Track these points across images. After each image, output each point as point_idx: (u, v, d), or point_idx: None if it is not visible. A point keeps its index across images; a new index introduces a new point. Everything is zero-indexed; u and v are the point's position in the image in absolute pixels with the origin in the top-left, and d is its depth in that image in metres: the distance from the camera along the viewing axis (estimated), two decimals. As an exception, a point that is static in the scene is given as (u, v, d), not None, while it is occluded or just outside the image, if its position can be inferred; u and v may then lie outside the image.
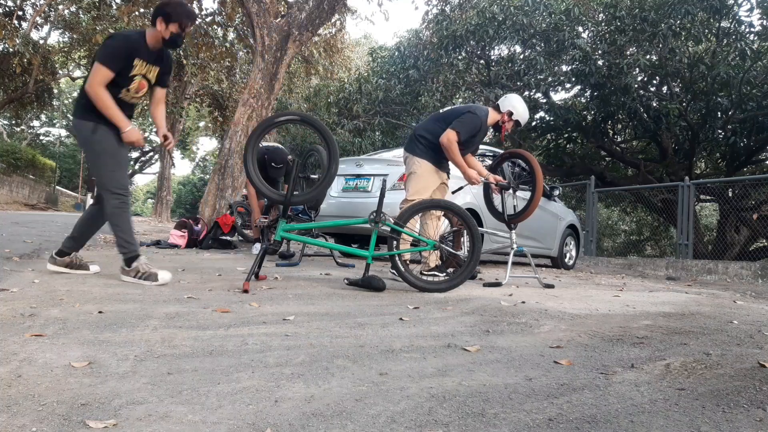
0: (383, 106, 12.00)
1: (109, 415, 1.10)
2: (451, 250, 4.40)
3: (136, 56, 2.84)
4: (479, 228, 5.06)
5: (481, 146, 4.67)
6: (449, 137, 3.67)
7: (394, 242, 3.22)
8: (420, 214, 3.55)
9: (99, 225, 3.18)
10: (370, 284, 3.03)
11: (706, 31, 9.42)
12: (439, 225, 3.90)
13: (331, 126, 12.14)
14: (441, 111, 4.03)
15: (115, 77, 2.79)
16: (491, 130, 4.08)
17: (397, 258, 3.17)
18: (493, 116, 3.87)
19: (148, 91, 3.04)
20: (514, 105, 3.88)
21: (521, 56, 11.12)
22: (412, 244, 3.50)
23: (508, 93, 4.09)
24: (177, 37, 2.88)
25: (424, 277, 3.81)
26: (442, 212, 3.74)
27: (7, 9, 15.63)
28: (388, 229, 3.22)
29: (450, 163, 3.88)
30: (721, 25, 9.48)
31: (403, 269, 3.15)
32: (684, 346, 1.97)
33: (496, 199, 4.25)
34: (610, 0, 9.94)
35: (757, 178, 9.96)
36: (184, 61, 17.10)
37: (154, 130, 32.86)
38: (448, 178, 4.00)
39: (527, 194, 4.27)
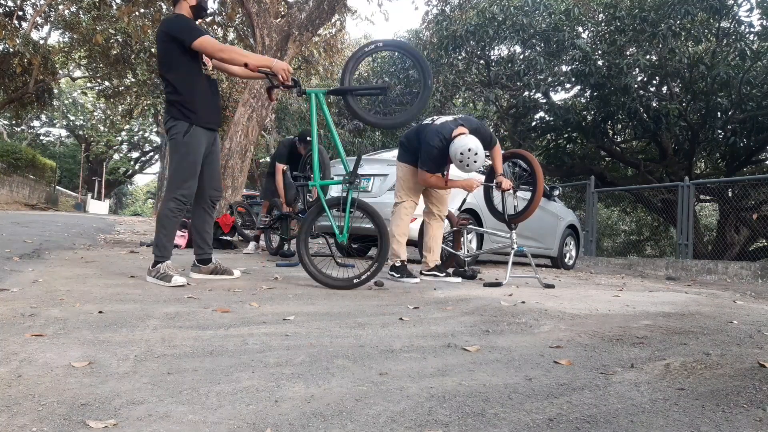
0: (383, 106, 12.00)
1: (109, 415, 1.10)
2: (451, 250, 4.41)
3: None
4: (479, 228, 5.07)
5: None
6: (423, 179, 3.65)
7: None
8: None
9: (210, 221, 3.22)
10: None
11: (706, 31, 9.43)
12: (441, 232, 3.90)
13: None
14: (423, 122, 3.87)
15: (196, 54, 2.87)
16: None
17: (302, 246, 3.09)
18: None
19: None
20: (451, 153, 3.47)
21: (521, 56, 11.13)
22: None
23: (472, 134, 3.51)
24: (203, 3, 2.99)
25: (424, 277, 3.82)
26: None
27: (7, 9, 15.63)
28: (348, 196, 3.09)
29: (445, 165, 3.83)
30: (721, 25, 9.49)
31: (308, 262, 3.07)
32: (684, 346, 1.97)
33: (496, 198, 4.26)
34: (610, 0, 9.94)
35: (757, 178, 9.96)
36: (184, 62, 17.07)
37: (155, 129, 32.71)
38: (444, 177, 3.95)
39: (527, 194, 4.27)
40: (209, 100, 2.99)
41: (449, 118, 3.73)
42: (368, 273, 3.05)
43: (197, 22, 3.10)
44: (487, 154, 4.33)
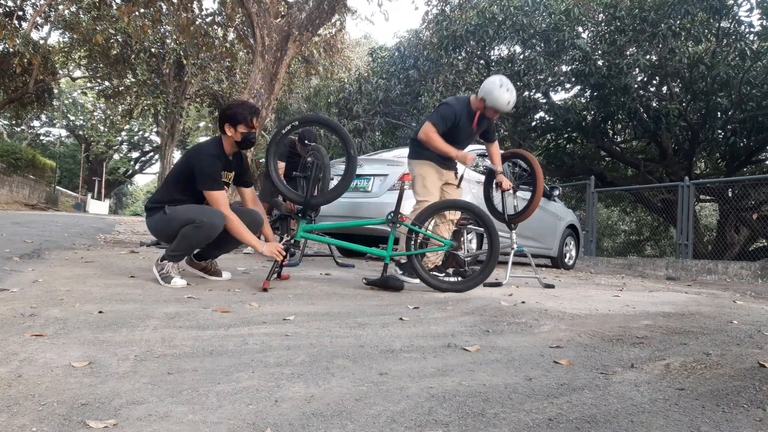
0: (383, 106, 12.00)
1: (109, 415, 1.10)
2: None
3: (225, 169, 2.94)
4: (479, 228, 5.06)
5: (480, 146, 4.63)
6: (425, 130, 3.61)
7: (411, 242, 3.22)
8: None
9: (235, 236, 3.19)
10: (387, 284, 3.04)
11: (706, 31, 9.43)
12: (452, 228, 3.88)
13: (330, 126, 12.13)
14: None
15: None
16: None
17: (414, 258, 3.17)
18: (474, 102, 3.70)
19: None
20: (487, 90, 3.54)
21: (521, 56, 11.12)
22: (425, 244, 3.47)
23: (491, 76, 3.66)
24: (249, 135, 2.90)
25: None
26: (459, 213, 3.73)
27: (7, 9, 15.65)
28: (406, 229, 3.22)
29: (457, 163, 3.82)
30: (721, 25, 9.48)
31: (420, 269, 3.15)
32: (684, 346, 1.97)
33: (496, 198, 4.26)
34: (610, 0, 9.94)
35: (756, 178, 9.96)
36: (184, 61, 17.12)
37: (155, 129, 32.75)
38: (457, 177, 3.94)
39: (527, 194, 4.27)
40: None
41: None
42: (479, 276, 3.17)
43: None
44: (485, 154, 4.33)
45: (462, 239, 4.43)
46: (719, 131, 10.35)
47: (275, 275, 3.05)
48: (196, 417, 1.11)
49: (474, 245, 5.25)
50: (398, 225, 3.16)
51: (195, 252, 3.15)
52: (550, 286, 3.81)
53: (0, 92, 19.17)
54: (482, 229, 3.34)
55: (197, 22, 10.32)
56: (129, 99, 20.98)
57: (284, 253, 2.96)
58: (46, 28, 18.55)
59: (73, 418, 1.07)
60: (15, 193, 22.73)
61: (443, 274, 3.87)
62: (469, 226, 4.16)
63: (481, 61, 12.03)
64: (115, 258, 4.19)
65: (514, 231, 3.99)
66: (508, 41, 10.88)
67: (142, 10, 9.84)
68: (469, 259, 4.48)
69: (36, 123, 36.75)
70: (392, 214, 3.16)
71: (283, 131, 3.29)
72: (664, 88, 10.92)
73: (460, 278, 3.93)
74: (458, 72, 11.05)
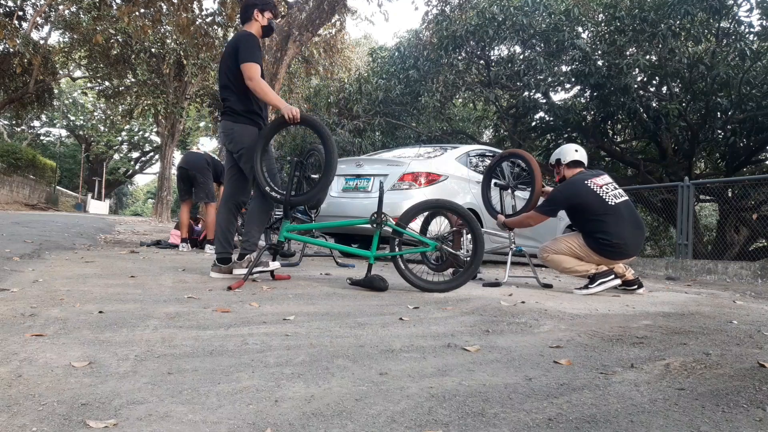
0: (383, 106, 11.99)
1: (109, 415, 1.10)
2: (451, 250, 4.41)
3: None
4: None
5: (480, 146, 4.64)
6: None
7: (395, 242, 3.22)
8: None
9: (234, 223, 3.44)
10: (372, 284, 3.04)
11: (706, 31, 9.42)
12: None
13: (331, 126, 12.13)
14: None
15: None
16: None
17: (398, 258, 3.17)
18: None
19: None
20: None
21: (521, 56, 11.12)
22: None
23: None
24: (272, 22, 3.25)
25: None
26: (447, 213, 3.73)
27: (7, 9, 15.66)
28: (390, 230, 3.22)
29: None
30: (721, 25, 9.48)
31: (404, 269, 3.15)
32: (683, 346, 1.97)
33: (494, 198, 4.26)
34: (610, 0, 9.94)
35: (756, 178, 9.95)
36: (184, 62, 17.11)
37: (155, 129, 32.84)
38: None
39: (527, 194, 4.27)
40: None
41: None
42: (463, 277, 3.18)
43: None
44: (492, 153, 4.33)
45: (462, 240, 4.43)
46: (719, 131, 10.35)
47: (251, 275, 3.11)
48: (197, 417, 1.12)
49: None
50: (382, 225, 3.15)
51: (217, 258, 3.23)
52: (549, 286, 3.81)
53: (0, 92, 19.18)
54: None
55: (197, 22, 10.32)
56: (129, 99, 20.97)
57: (295, 111, 3.10)
58: (47, 28, 18.57)
59: (73, 418, 1.08)
60: (15, 193, 22.74)
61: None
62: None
63: (481, 62, 12.03)
64: (116, 258, 4.19)
65: (512, 231, 3.99)
66: (508, 41, 10.87)
67: (142, 10, 9.85)
68: (468, 259, 4.48)
69: (36, 123, 36.74)
70: (375, 215, 3.15)
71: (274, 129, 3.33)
72: (664, 88, 10.91)
73: None
74: (458, 72, 11.04)
